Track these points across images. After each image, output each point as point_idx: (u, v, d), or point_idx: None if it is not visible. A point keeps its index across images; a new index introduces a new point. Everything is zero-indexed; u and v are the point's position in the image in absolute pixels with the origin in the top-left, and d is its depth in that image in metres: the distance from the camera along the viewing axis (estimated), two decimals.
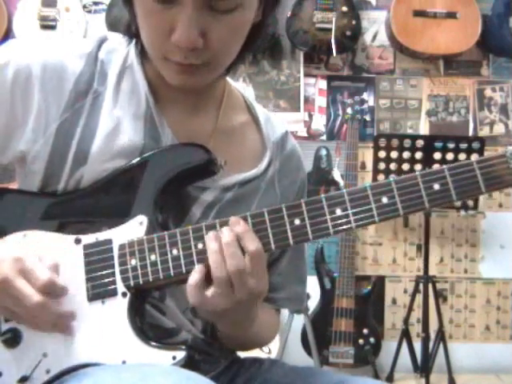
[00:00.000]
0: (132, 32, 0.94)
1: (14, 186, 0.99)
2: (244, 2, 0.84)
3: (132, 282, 0.87)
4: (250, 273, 0.83)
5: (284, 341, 2.64)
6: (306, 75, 3.09)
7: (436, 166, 0.83)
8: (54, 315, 0.84)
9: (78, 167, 0.92)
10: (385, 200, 0.83)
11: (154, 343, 0.85)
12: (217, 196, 0.98)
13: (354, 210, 0.83)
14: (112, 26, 2.83)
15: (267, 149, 1.05)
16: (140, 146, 0.94)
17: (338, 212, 0.84)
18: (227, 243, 0.82)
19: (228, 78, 1.07)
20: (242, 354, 1.11)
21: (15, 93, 0.93)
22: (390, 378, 2.81)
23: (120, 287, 0.87)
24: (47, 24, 2.84)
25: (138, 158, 0.92)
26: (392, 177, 0.84)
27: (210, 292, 0.83)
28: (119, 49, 0.98)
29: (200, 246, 0.85)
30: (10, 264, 0.82)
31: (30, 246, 0.88)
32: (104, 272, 0.88)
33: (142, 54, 0.96)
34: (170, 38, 0.83)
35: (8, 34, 2.84)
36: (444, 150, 2.69)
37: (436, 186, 0.82)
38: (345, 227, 0.84)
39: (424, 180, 0.82)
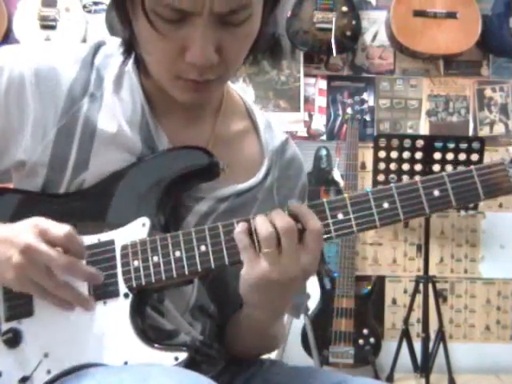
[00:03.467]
0: (130, 48, 0.92)
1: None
2: (253, 11, 0.83)
3: (134, 283, 0.87)
4: (304, 248, 0.82)
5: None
6: (306, 75, 3.09)
7: (436, 166, 0.85)
8: (83, 271, 0.83)
9: (79, 173, 0.92)
10: (386, 205, 0.84)
11: (156, 344, 0.85)
12: (212, 206, 0.97)
13: (356, 215, 0.84)
14: (112, 26, 2.83)
15: (265, 157, 1.04)
16: (139, 151, 0.93)
17: (340, 216, 0.85)
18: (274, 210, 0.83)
19: (228, 82, 1.06)
20: None
21: (9, 99, 0.92)
22: (390, 378, 2.81)
23: (122, 288, 0.87)
24: (47, 24, 2.84)
25: (141, 160, 0.92)
26: (392, 177, 0.85)
27: (260, 255, 0.82)
28: (116, 53, 0.96)
29: (203, 247, 0.85)
30: (28, 231, 0.81)
31: None
32: (106, 273, 0.87)
33: (138, 64, 0.95)
34: (182, 58, 0.82)
35: (8, 34, 2.85)
36: (444, 150, 2.69)
37: (436, 192, 0.84)
38: (346, 231, 0.85)
39: (424, 186, 0.84)
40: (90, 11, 3.01)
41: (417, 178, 0.85)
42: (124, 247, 0.88)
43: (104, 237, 0.89)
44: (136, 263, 0.87)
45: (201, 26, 0.79)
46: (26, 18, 2.83)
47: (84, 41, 2.89)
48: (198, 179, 0.94)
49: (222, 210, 0.98)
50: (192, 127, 1.00)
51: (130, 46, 0.92)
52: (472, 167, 0.84)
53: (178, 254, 0.86)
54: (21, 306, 0.89)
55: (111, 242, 0.89)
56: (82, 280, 0.85)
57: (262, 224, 0.82)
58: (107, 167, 0.92)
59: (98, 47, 0.98)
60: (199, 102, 0.92)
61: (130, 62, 0.96)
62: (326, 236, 0.84)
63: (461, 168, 0.86)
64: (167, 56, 0.83)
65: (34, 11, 2.83)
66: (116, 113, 0.94)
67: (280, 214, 0.82)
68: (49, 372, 0.86)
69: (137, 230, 0.89)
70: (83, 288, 0.87)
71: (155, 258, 0.86)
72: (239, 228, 0.83)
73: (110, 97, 0.94)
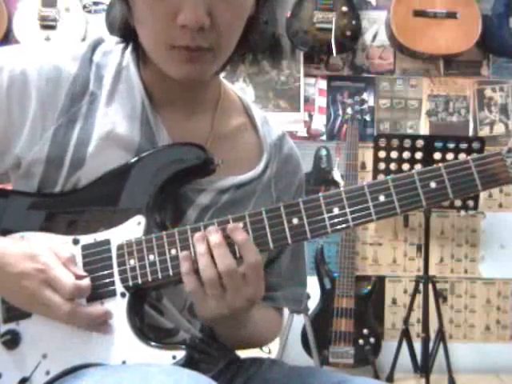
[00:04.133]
0: (127, 33, 0.93)
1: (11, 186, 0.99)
2: None
3: (131, 283, 0.87)
4: (246, 282, 0.83)
5: (284, 341, 2.64)
6: (306, 75, 3.09)
7: (435, 165, 0.84)
8: (86, 319, 0.85)
9: (74, 171, 0.92)
10: (382, 198, 0.83)
11: (153, 343, 0.85)
12: (213, 198, 0.98)
13: (352, 209, 0.83)
14: (112, 26, 2.83)
15: (264, 151, 1.05)
16: (136, 147, 0.93)
17: (336, 211, 0.84)
18: (216, 244, 0.83)
19: (224, 81, 1.07)
20: (241, 354, 1.11)
21: (11, 97, 0.92)
22: (390, 378, 2.81)
23: (119, 288, 0.87)
24: (47, 24, 2.84)
25: (135, 158, 0.92)
26: (390, 176, 0.84)
27: (207, 295, 0.84)
28: (115, 50, 0.98)
29: None
30: (33, 276, 0.83)
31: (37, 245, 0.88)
32: (102, 272, 0.88)
33: (137, 56, 0.96)
34: (175, 23, 0.83)
35: (8, 34, 2.84)
36: (444, 150, 2.69)
37: (433, 184, 0.82)
38: (342, 226, 0.84)
39: (421, 178, 0.82)
40: (90, 11, 3.01)
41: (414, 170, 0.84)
42: (120, 247, 0.88)
43: (100, 236, 0.89)
44: (132, 262, 0.87)
45: None
46: (26, 17, 2.83)
47: (84, 41, 2.89)
48: (193, 176, 0.94)
49: (223, 202, 0.98)
50: (191, 122, 1.00)
51: (126, 30, 0.92)
52: (469, 158, 0.82)
53: (173, 252, 0.86)
54: (19, 308, 0.89)
55: (107, 242, 0.89)
56: (85, 323, 0.86)
57: (205, 267, 0.83)
58: (103, 165, 0.92)
59: (96, 45, 0.98)
60: (194, 77, 0.90)
61: (129, 56, 0.97)
62: (321, 231, 0.84)
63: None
64: (161, 22, 0.84)
65: (34, 11, 2.83)
66: (115, 110, 0.94)
67: (222, 254, 0.83)
68: (48, 373, 0.86)
69: (132, 228, 0.89)
70: None
71: (151, 257, 0.86)
72: (184, 268, 0.84)
73: (109, 94, 0.95)
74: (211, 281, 0.82)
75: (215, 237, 0.83)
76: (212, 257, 0.83)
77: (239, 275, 0.83)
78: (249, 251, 0.83)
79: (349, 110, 2.96)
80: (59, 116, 0.92)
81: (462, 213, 3.06)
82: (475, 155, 0.83)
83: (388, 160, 2.74)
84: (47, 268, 0.83)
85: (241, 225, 0.85)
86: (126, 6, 0.88)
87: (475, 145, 2.65)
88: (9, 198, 0.95)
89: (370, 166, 2.94)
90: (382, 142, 2.75)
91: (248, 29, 0.92)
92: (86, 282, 0.85)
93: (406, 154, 2.73)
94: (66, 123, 0.92)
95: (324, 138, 3.10)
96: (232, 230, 0.84)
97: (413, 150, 2.72)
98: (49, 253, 0.85)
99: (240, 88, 2.99)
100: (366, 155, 3.04)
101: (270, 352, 2.49)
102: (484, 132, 3.11)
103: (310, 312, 2.75)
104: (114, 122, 0.93)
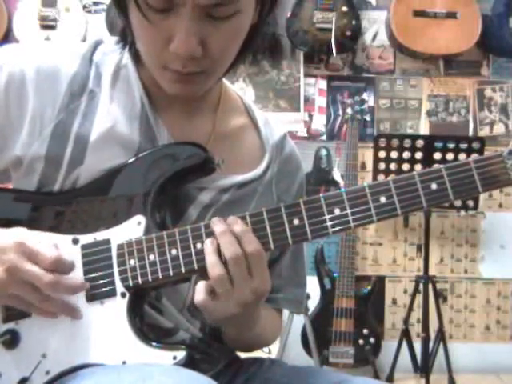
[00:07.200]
0: (126, 38, 0.94)
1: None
2: (242, 7, 0.83)
3: (131, 283, 0.87)
4: (251, 273, 0.83)
5: (284, 341, 2.64)
6: (306, 75, 3.09)
7: (436, 167, 0.84)
8: (69, 290, 0.84)
9: (74, 167, 0.92)
10: (383, 200, 0.83)
11: (154, 343, 0.85)
12: (214, 197, 0.98)
13: (353, 210, 0.84)
14: (112, 26, 2.83)
15: (266, 151, 1.05)
16: (136, 146, 0.94)
17: (337, 212, 0.84)
18: (221, 233, 0.83)
19: (225, 81, 1.07)
20: (241, 355, 1.11)
21: (9, 96, 0.92)
22: (390, 378, 2.81)
23: (119, 287, 0.87)
24: (47, 24, 2.84)
25: (135, 157, 0.92)
26: (391, 177, 0.84)
27: (213, 296, 0.83)
28: (114, 51, 0.98)
29: (199, 245, 0.85)
30: (13, 249, 0.81)
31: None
32: (102, 272, 0.88)
33: (136, 58, 0.96)
34: (168, 47, 0.83)
35: (8, 34, 2.85)
36: (444, 150, 2.69)
37: (433, 186, 0.82)
38: (343, 227, 0.84)
39: (421, 180, 0.83)
40: (89, 11, 3.01)
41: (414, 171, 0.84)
42: (120, 246, 0.88)
43: (99, 236, 0.89)
44: (132, 262, 0.87)
45: (185, 17, 0.80)
46: (25, 17, 2.84)
47: (84, 41, 2.89)
48: (193, 175, 0.94)
49: (224, 201, 0.98)
50: (192, 122, 1.00)
51: (126, 36, 0.93)
52: (470, 160, 0.83)
53: (174, 252, 0.86)
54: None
55: (107, 241, 0.89)
56: (67, 295, 0.85)
57: (213, 266, 0.82)
58: (102, 163, 0.92)
59: (96, 45, 0.99)
60: (187, 95, 0.92)
61: (128, 56, 0.97)
62: (322, 232, 0.84)
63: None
64: (155, 45, 0.84)
65: (34, 11, 2.83)
66: (114, 108, 0.94)
67: (227, 243, 0.82)
68: (48, 373, 0.86)
69: (132, 228, 0.89)
70: None
71: (151, 257, 0.86)
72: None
73: (108, 92, 0.95)
74: (220, 279, 0.82)
75: (219, 226, 0.84)
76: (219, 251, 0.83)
77: (245, 265, 0.82)
78: (249, 241, 0.83)
79: (349, 110, 2.95)
80: (58, 113, 0.93)
81: (462, 213, 3.07)
82: (475, 155, 0.83)
83: (388, 160, 2.74)
84: (27, 242, 0.82)
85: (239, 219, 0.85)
86: (125, 19, 0.88)
87: (475, 145, 2.65)
88: (8, 197, 0.94)
89: (369, 165, 2.94)
90: (382, 142, 2.75)
91: (250, 36, 0.91)
92: (68, 259, 0.84)
93: (406, 154, 2.73)
94: (65, 120, 0.93)
95: (324, 138, 3.10)
96: (231, 223, 0.84)
97: (413, 149, 2.72)
98: (31, 232, 0.85)
99: (240, 88, 2.99)
100: (366, 155, 3.04)
101: (269, 352, 2.48)
102: (484, 132, 3.11)
103: (310, 312, 2.75)
104: (114, 119, 0.94)
